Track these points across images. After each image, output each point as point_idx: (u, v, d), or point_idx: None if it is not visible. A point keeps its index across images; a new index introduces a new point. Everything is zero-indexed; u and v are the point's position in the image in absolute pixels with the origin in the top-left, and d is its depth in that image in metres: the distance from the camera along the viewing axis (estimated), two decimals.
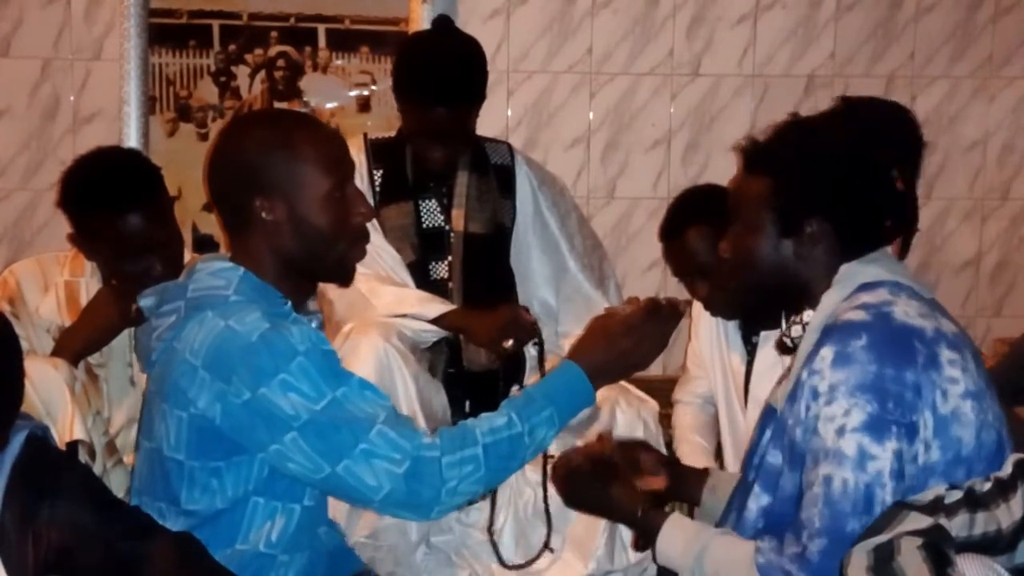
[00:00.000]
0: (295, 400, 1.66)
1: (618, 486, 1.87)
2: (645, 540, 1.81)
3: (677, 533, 1.76)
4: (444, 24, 2.73)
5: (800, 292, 1.75)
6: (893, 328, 1.63)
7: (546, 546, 2.44)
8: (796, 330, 1.76)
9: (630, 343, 1.81)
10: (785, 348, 1.81)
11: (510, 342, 2.49)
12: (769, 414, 1.78)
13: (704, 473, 2.03)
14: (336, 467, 1.67)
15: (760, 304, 1.83)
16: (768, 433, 1.75)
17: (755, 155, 1.78)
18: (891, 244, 1.78)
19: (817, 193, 1.72)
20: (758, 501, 1.73)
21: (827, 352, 1.63)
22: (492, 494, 2.47)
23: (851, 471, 1.58)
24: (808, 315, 1.74)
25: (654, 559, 1.81)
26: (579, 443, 2.43)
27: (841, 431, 1.59)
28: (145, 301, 1.84)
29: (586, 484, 1.90)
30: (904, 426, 1.58)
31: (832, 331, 1.65)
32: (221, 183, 1.82)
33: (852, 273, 1.72)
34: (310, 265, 1.82)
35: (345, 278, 1.87)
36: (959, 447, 1.61)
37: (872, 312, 1.64)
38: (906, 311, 1.65)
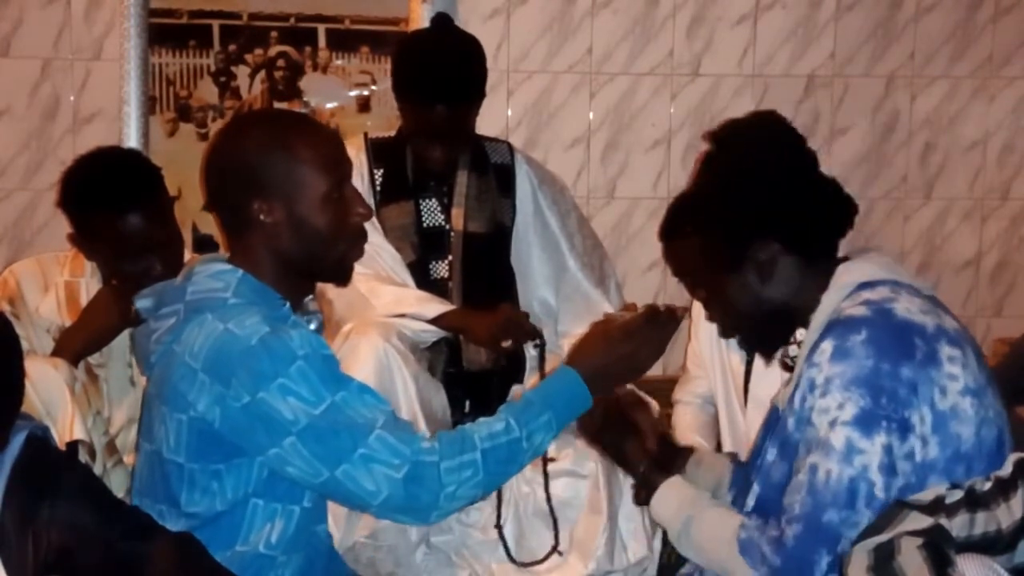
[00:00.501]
0: (294, 404, 1.66)
1: (632, 440, 1.95)
2: (645, 496, 1.88)
3: (672, 495, 1.82)
4: (443, 22, 2.73)
5: (788, 312, 1.77)
6: (894, 324, 1.64)
7: (554, 549, 2.44)
8: (793, 350, 1.79)
9: (628, 349, 1.81)
10: (788, 367, 1.83)
11: (509, 341, 2.49)
12: (772, 415, 1.79)
13: (691, 449, 2.08)
14: (335, 471, 1.67)
15: (758, 340, 1.87)
16: (769, 435, 1.77)
17: (671, 224, 1.88)
18: (845, 234, 1.80)
19: (740, 221, 1.75)
20: (756, 499, 1.75)
21: (827, 346, 1.64)
22: (498, 492, 2.46)
23: (837, 463, 1.59)
24: (801, 333, 1.76)
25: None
26: (579, 443, 2.44)
27: (833, 423, 1.61)
28: (142, 302, 1.84)
29: (608, 429, 1.98)
30: (896, 421, 1.59)
31: (834, 326, 1.66)
32: (218, 185, 1.82)
33: (849, 273, 1.73)
34: (309, 265, 1.82)
35: (343, 278, 1.87)
36: (958, 443, 1.61)
37: (874, 308, 1.65)
38: (908, 307, 1.66)
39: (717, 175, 1.79)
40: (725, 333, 1.89)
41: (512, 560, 2.43)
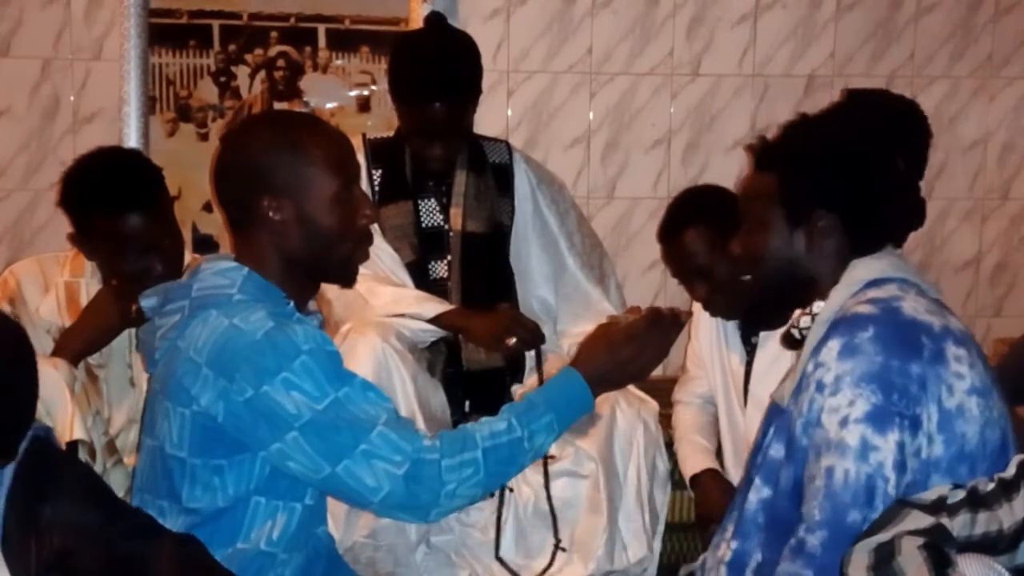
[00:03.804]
0: (297, 399, 1.66)
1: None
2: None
3: None
4: (436, 21, 2.73)
5: (809, 287, 1.77)
6: (901, 322, 1.64)
7: (557, 546, 2.44)
8: (805, 321, 1.77)
9: (631, 352, 1.81)
10: (792, 341, 1.81)
11: (513, 340, 2.49)
12: (774, 411, 1.79)
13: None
14: (336, 467, 1.67)
15: (769, 300, 1.84)
16: (772, 430, 1.76)
17: (764, 152, 1.81)
18: (900, 242, 1.79)
19: (822, 185, 1.73)
20: (759, 494, 1.74)
21: (834, 344, 1.64)
22: (497, 517, 2.45)
23: (853, 461, 1.59)
24: (818, 306, 1.75)
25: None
26: (580, 444, 2.44)
27: (844, 422, 1.60)
28: (147, 302, 1.85)
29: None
30: (908, 418, 1.59)
31: (840, 324, 1.66)
32: (228, 183, 1.83)
33: (861, 269, 1.72)
34: (315, 265, 1.83)
35: (348, 279, 1.88)
36: (963, 442, 1.61)
37: (880, 306, 1.65)
38: (915, 307, 1.66)
39: (831, 135, 1.77)
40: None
41: None
